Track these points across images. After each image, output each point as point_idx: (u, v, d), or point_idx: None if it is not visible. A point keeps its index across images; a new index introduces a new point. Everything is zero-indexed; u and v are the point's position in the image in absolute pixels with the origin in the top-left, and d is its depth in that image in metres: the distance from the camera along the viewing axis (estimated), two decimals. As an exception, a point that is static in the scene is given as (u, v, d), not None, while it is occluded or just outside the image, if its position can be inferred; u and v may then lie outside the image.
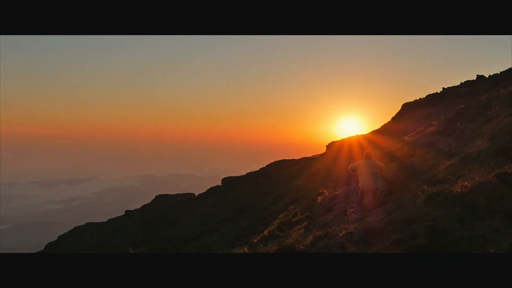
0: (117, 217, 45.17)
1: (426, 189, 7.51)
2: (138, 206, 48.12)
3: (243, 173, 47.48)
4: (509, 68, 30.48)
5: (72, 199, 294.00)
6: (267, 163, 47.10)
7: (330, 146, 38.05)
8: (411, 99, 38.95)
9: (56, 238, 43.63)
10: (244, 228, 22.84)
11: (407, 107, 36.05)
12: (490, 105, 13.04)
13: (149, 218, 40.27)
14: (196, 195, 47.37)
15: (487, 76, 32.78)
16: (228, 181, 45.73)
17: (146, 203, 48.33)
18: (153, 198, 49.12)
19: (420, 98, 36.18)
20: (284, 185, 34.95)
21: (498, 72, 31.31)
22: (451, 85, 35.12)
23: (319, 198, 14.68)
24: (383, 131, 30.76)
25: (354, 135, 36.14)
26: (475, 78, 33.74)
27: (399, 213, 6.95)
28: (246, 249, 10.20)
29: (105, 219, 46.45)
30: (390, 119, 36.31)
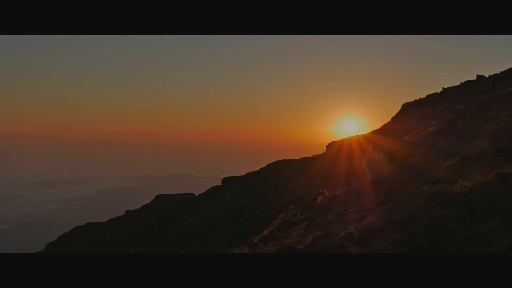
0: (117, 217, 45.14)
1: (426, 189, 7.50)
2: (138, 206, 48.05)
3: (243, 173, 47.41)
4: (509, 68, 30.49)
5: (72, 199, 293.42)
6: (267, 163, 47.02)
7: (330, 146, 38.07)
8: (411, 99, 39.00)
9: (56, 238, 43.66)
10: (244, 228, 22.84)
11: (407, 107, 36.09)
12: (490, 105, 13.05)
13: (149, 218, 40.22)
14: (196, 195, 47.27)
15: (487, 76, 32.80)
16: (228, 181, 45.68)
17: (146, 203, 48.25)
18: (153, 198, 49.05)
19: (420, 98, 36.24)
20: (284, 185, 34.95)
21: (498, 72, 31.33)
22: (451, 85, 35.17)
23: (319, 198, 14.68)
24: (383, 131, 30.80)
25: (354, 135, 36.20)
26: (475, 78, 33.77)
27: (399, 213, 6.94)
28: (246, 249, 10.19)
29: (105, 219, 46.43)
30: (390, 119, 36.35)
